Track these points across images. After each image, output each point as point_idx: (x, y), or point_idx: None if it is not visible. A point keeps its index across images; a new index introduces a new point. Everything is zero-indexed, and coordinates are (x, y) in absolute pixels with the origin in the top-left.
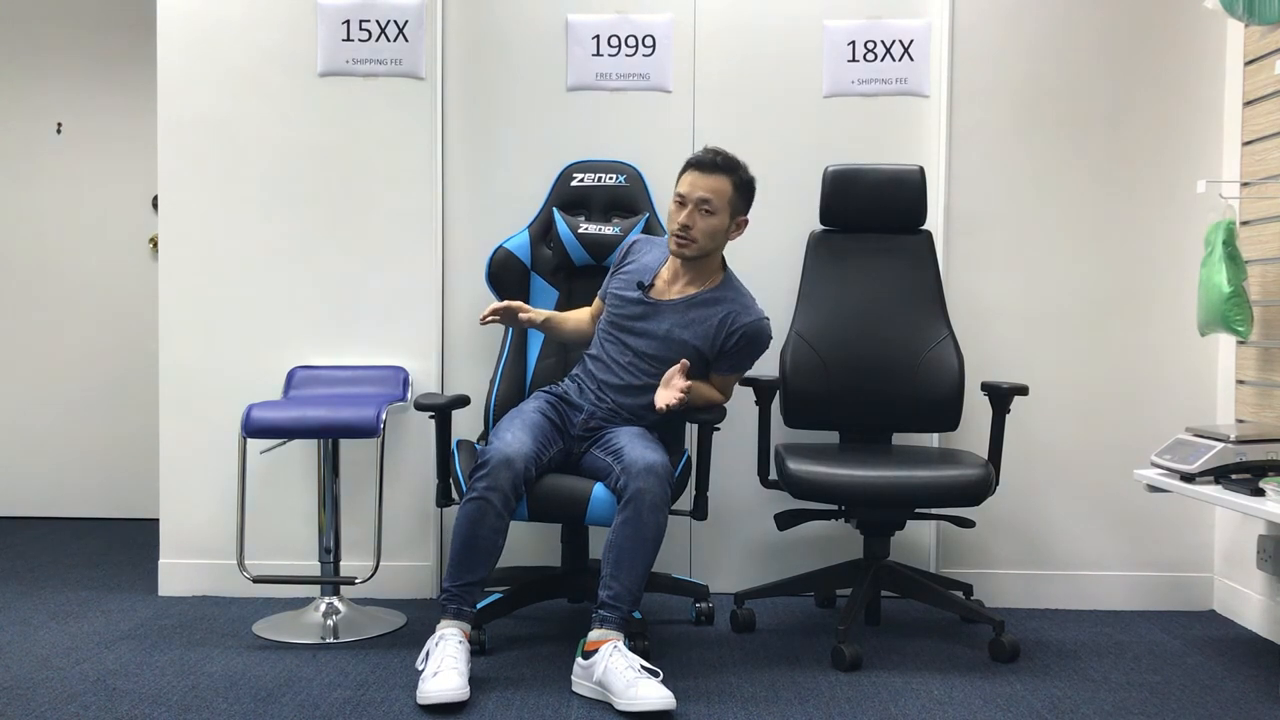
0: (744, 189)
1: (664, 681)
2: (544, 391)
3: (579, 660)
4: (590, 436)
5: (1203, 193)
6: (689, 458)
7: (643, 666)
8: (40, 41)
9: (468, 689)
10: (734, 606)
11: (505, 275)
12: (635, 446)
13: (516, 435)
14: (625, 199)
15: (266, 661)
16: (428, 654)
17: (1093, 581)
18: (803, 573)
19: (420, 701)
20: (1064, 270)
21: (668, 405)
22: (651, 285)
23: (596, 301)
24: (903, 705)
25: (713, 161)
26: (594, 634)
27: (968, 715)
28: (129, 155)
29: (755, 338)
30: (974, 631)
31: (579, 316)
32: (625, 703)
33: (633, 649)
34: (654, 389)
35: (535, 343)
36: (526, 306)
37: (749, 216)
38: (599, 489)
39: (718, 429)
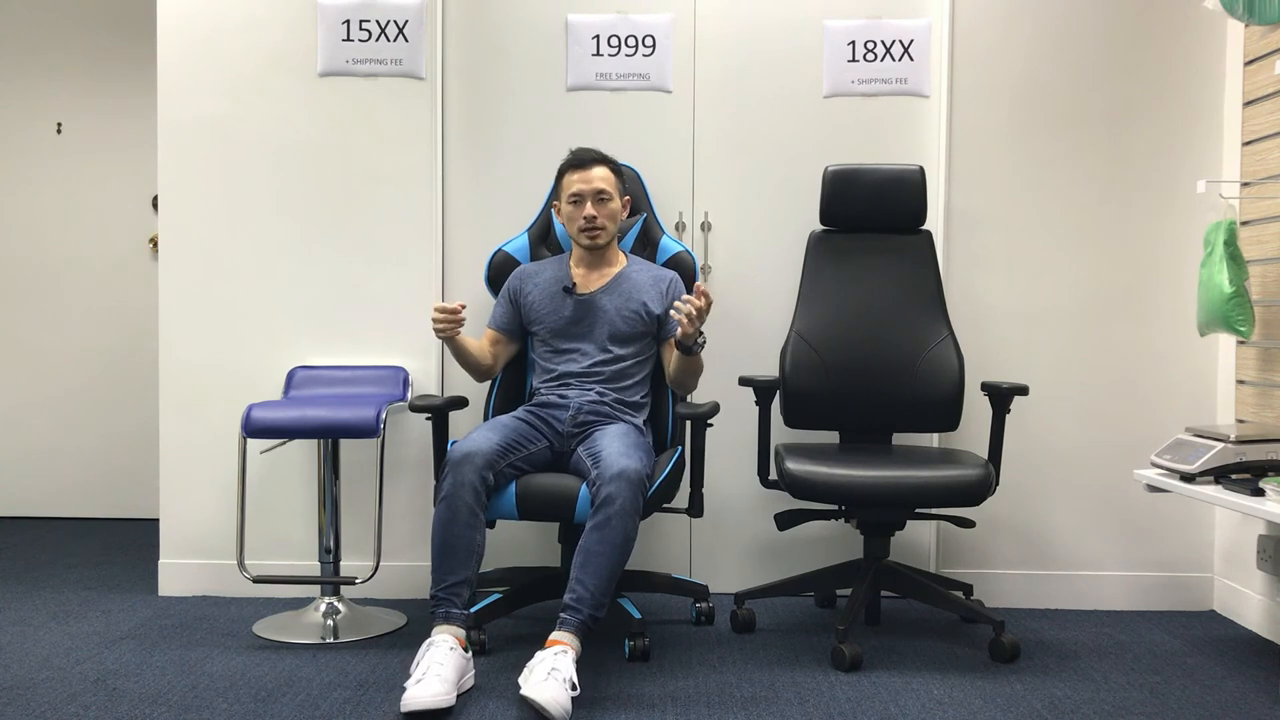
0: (619, 173)
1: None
2: (522, 407)
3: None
4: (580, 433)
5: (1203, 193)
6: (681, 454)
7: (570, 682)
8: (40, 41)
9: (452, 696)
10: (734, 606)
11: (505, 278)
12: (614, 450)
13: (481, 433)
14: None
15: (266, 661)
16: (418, 661)
17: (1093, 581)
18: (803, 573)
19: (402, 709)
20: (1064, 270)
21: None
22: (575, 285)
23: (488, 332)
24: (903, 705)
25: (590, 158)
26: (553, 634)
27: (968, 715)
28: (129, 155)
29: (678, 280)
30: (974, 631)
31: (480, 344)
32: (526, 689)
33: (633, 648)
34: (626, 368)
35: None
36: (461, 315)
37: (629, 195)
38: (586, 489)
39: (711, 425)
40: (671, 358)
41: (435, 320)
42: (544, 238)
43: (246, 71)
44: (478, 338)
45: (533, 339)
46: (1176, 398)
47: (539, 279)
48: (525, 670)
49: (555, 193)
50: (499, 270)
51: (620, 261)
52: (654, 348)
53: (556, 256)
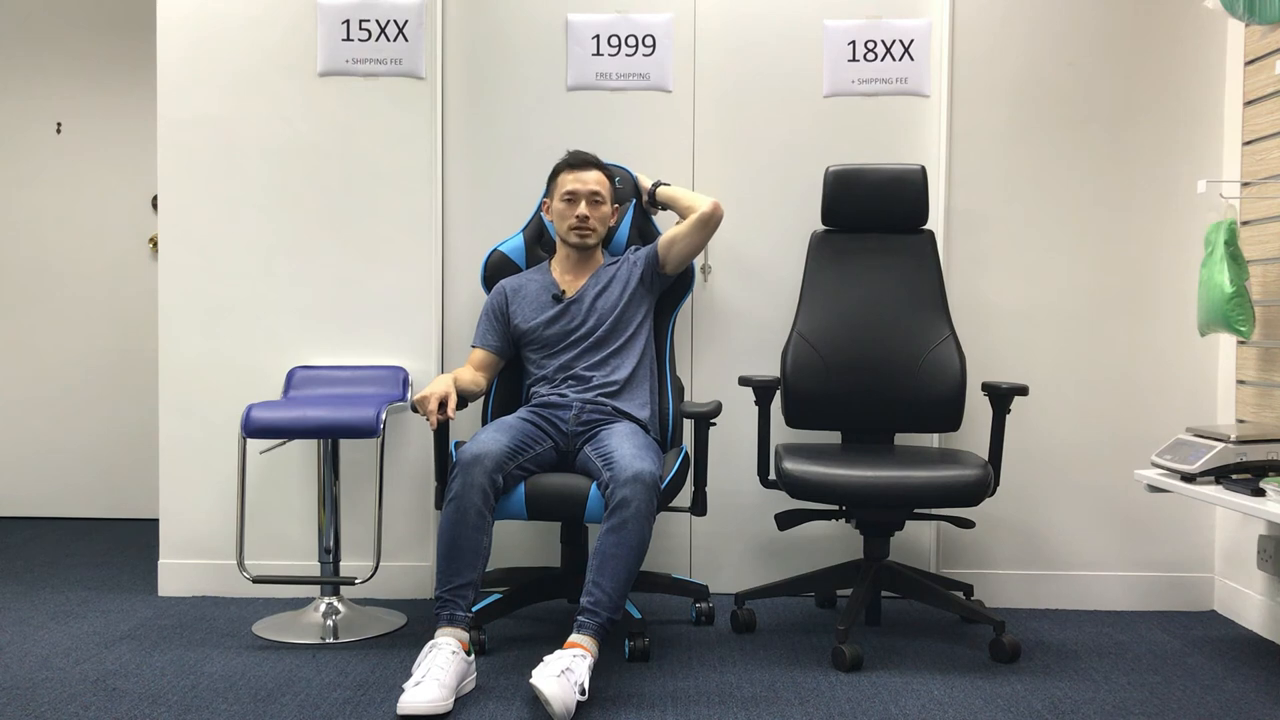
0: (611, 179)
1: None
2: (524, 408)
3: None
4: (585, 432)
5: (1203, 193)
6: (686, 454)
7: (581, 687)
8: (40, 41)
9: (449, 701)
10: (734, 606)
11: (500, 278)
12: (626, 452)
13: (490, 435)
14: (617, 200)
15: (266, 661)
16: (419, 663)
17: (1093, 581)
18: (803, 573)
19: (398, 711)
20: (1064, 270)
21: None
22: (564, 291)
23: (476, 354)
24: (903, 705)
25: (585, 160)
26: (572, 637)
27: (968, 715)
28: (129, 155)
29: (637, 250)
30: (974, 632)
31: (471, 376)
32: (536, 678)
33: (633, 648)
34: (625, 369)
35: None
36: (450, 395)
37: (619, 202)
38: (596, 489)
39: (714, 424)
40: (680, 228)
41: (428, 417)
42: (539, 238)
43: (246, 71)
44: (466, 352)
45: (526, 346)
46: (1176, 398)
47: (526, 291)
48: (541, 664)
49: (548, 191)
50: (495, 271)
51: (600, 258)
52: (650, 337)
53: (537, 266)
